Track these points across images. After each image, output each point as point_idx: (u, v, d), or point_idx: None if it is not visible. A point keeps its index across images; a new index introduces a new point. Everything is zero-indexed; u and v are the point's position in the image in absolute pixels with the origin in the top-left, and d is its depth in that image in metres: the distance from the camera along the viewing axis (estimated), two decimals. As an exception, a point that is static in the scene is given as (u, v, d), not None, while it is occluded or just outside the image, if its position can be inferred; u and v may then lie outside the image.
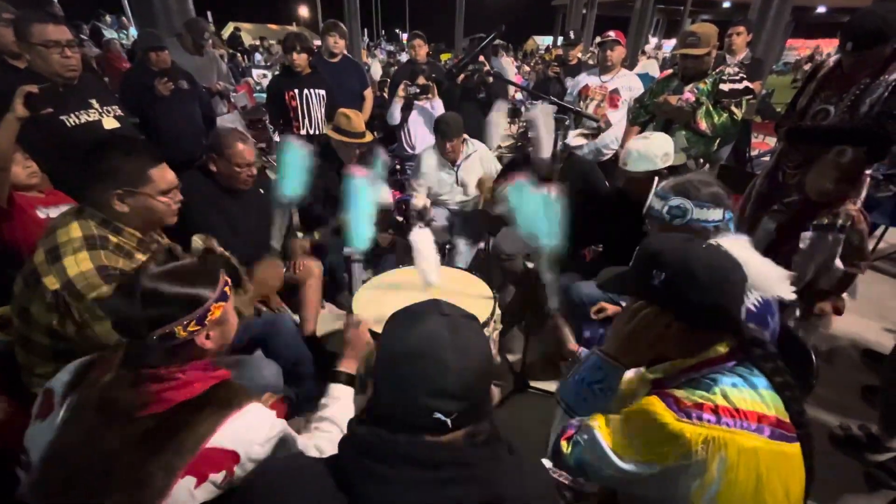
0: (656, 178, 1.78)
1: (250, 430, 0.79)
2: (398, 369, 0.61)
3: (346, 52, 3.39)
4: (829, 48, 17.05)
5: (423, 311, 0.65)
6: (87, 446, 0.73)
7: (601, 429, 0.80)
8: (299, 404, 1.57)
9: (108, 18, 7.96)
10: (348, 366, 1.13)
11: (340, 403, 1.04)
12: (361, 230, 1.42)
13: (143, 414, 0.74)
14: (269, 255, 1.56)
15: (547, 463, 0.92)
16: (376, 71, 5.68)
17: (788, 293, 0.92)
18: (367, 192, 1.43)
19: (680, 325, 0.80)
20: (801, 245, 1.75)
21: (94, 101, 1.89)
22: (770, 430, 0.72)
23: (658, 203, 1.29)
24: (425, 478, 0.58)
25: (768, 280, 0.92)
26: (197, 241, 1.37)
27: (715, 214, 1.23)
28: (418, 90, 3.15)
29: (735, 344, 0.81)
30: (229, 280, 0.89)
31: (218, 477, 0.74)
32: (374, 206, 1.45)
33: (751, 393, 0.75)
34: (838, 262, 1.72)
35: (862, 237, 1.70)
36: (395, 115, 3.24)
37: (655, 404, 0.76)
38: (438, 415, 0.58)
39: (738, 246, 0.88)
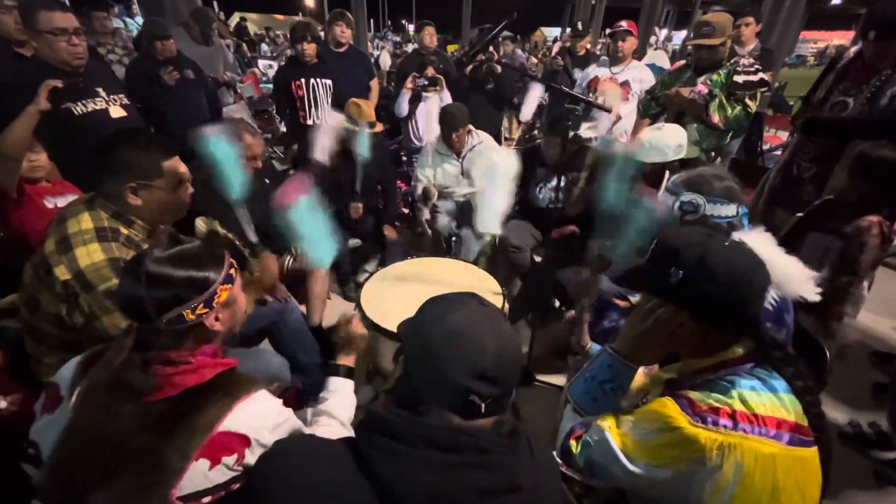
0: (667, 172, 1.75)
1: (260, 416, 0.80)
2: (437, 348, 0.61)
3: (352, 42, 3.36)
4: (840, 40, 16.71)
5: (463, 298, 0.67)
6: (99, 428, 0.73)
7: (612, 430, 0.78)
8: (306, 394, 1.58)
9: (115, 8, 7.92)
10: (347, 360, 1.14)
11: (340, 396, 1.05)
12: (322, 248, 1.29)
13: (155, 398, 0.75)
14: (256, 250, 1.54)
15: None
16: (385, 62, 5.62)
17: (812, 294, 0.89)
18: (310, 213, 1.25)
19: (696, 325, 0.77)
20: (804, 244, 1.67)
21: (100, 90, 1.88)
22: (789, 436, 0.70)
23: (669, 199, 1.25)
24: (446, 461, 0.58)
25: (792, 280, 0.88)
26: (200, 225, 1.37)
27: (728, 210, 1.20)
28: (427, 82, 3.11)
29: (753, 346, 0.78)
30: (235, 262, 0.90)
31: (230, 460, 0.75)
32: (322, 220, 1.27)
33: (770, 397, 0.72)
34: (825, 272, 1.58)
35: (860, 249, 1.50)
36: (403, 107, 3.21)
37: (669, 406, 0.73)
38: (473, 397, 0.59)
39: (761, 243, 0.85)
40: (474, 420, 0.61)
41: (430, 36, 3.36)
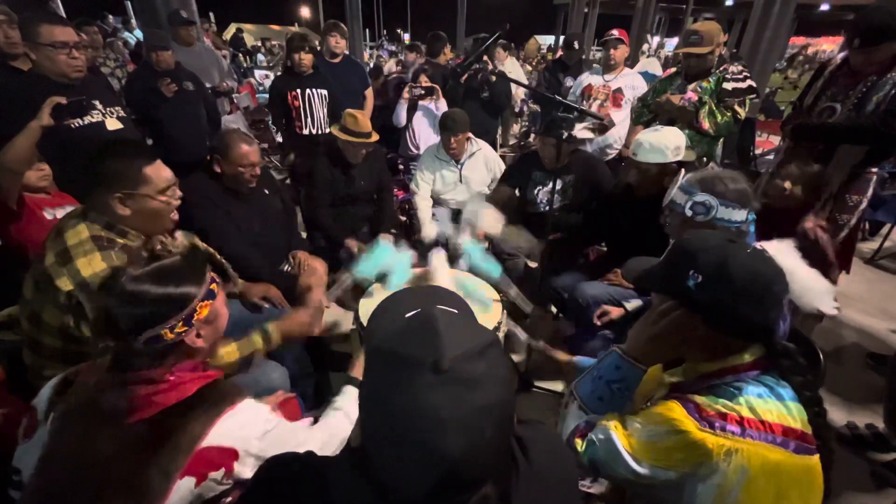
0: (681, 171, 1.76)
1: (245, 426, 0.78)
2: (383, 451, 0.45)
3: (346, 51, 3.39)
4: (830, 46, 16.96)
5: (411, 361, 0.45)
6: (79, 454, 0.72)
7: (617, 430, 0.78)
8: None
9: (111, 19, 7.97)
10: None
11: (352, 399, 1.05)
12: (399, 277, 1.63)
13: (134, 419, 0.73)
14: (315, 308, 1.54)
15: None
16: (390, 68, 5.68)
17: (830, 307, 0.89)
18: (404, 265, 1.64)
19: (708, 330, 0.76)
20: None
21: (97, 103, 1.89)
22: (795, 443, 0.70)
23: (681, 197, 1.24)
24: None
25: (811, 292, 0.88)
26: (181, 238, 1.36)
27: (739, 215, 1.19)
28: (423, 91, 3.14)
29: (762, 353, 0.78)
30: (217, 277, 0.88)
31: (218, 475, 0.74)
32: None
33: (777, 404, 0.73)
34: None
35: (816, 243, 1.68)
36: (401, 116, 3.25)
37: (675, 410, 0.74)
38: None
39: (783, 253, 0.85)
40: None
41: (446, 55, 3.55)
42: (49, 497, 0.72)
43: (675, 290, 0.78)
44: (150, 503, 0.69)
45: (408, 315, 0.53)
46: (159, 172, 1.20)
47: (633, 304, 1.64)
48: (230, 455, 0.75)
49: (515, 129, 7.32)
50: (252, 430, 0.79)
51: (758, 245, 0.84)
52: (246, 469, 0.77)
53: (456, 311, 0.54)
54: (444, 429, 0.42)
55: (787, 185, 1.78)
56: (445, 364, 0.43)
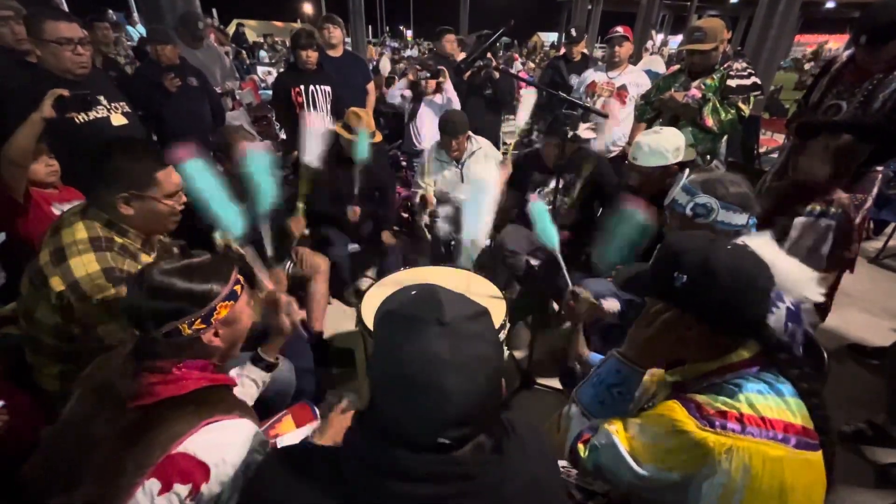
0: (685, 171, 1.76)
1: (228, 447, 0.75)
2: (394, 393, 0.55)
3: (346, 46, 3.38)
4: (837, 44, 16.84)
5: (420, 319, 0.56)
6: (79, 429, 0.74)
7: (619, 433, 0.79)
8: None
9: (112, 15, 7.96)
10: (271, 353, 1.18)
11: (248, 384, 1.13)
12: (228, 213, 1.22)
13: (132, 405, 0.74)
14: (270, 263, 1.42)
15: (561, 462, 0.91)
16: (385, 67, 5.66)
17: (817, 295, 0.90)
18: (202, 174, 1.19)
19: (701, 328, 0.77)
20: (793, 232, 1.70)
21: (102, 98, 1.90)
22: (796, 439, 0.70)
23: (683, 198, 1.24)
24: (429, 493, 0.54)
25: (796, 281, 0.89)
26: (218, 239, 1.35)
27: (740, 219, 1.19)
28: (429, 74, 3.12)
29: (759, 349, 0.78)
30: (242, 279, 0.88)
31: (183, 490, 0.70)
32: (220, 187, 1.21)
33: (776, 400, 0.73)
34: (825, 250, 1.68)
35: (850, 222, 1.66)
36: (396, 97, 3.26)
37: (676, 410, 0.74)
38: (443, 440, 0.54)
39: (764, 246, 0.85)
40: (448, 454, 0.55)
41: (451, 43, 3.50)
42: (42, 461, 0.75)
43: (664, 291, 0.79)
44: (117, 493, 0.68)
45: (413, 292, 0.64)
46: (169, 177, 1.19)
47: (609, 302, 1.57)
48: (202, 472, 0.72)
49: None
50: (233, 453, 0.75)
51: (739, 240, 0.85)
52: (209, 495, 0.74)
53: (452, 290, 0.64)
54: (446, 369, 0.53)
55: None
56: (447, 319, 0.55)
